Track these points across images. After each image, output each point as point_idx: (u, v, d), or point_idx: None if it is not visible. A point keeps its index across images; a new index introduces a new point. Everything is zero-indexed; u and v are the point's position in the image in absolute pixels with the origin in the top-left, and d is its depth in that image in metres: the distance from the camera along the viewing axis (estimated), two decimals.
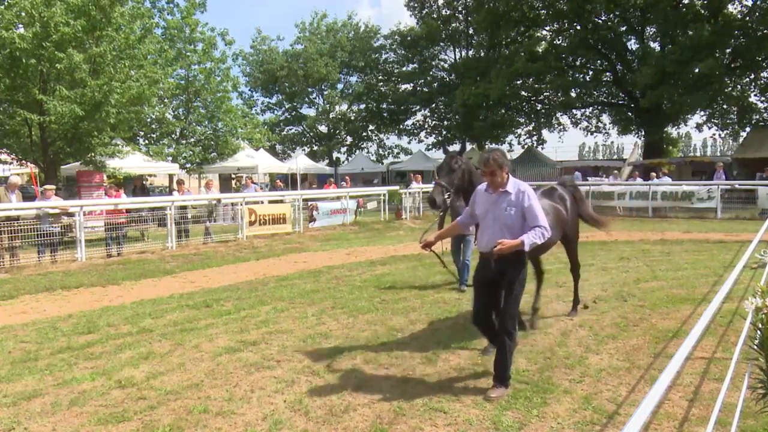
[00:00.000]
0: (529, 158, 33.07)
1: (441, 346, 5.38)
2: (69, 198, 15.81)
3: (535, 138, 35.81)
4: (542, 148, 36.13)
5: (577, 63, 32.45)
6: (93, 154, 17.60)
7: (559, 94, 32.35)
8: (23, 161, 18.42)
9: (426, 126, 40.91)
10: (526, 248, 4.02)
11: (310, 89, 40.94)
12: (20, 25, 15.54)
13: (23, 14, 15.26)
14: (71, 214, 11.91)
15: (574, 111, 34.27)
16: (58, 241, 11.68)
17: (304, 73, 38.54)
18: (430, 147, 39.59)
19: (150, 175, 27.33)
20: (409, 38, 37.78)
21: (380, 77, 41.57)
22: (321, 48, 38.94)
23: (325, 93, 40.45)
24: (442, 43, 38.02)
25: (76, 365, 5.08)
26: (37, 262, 10.96)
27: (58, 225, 11.66)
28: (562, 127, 35.65)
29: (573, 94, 32.09)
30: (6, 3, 15.83)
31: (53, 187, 12.75)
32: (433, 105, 39.35)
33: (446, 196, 4.95)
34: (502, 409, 3.94)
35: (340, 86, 41.32)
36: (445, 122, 39.32)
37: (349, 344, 5.54)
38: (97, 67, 16.14)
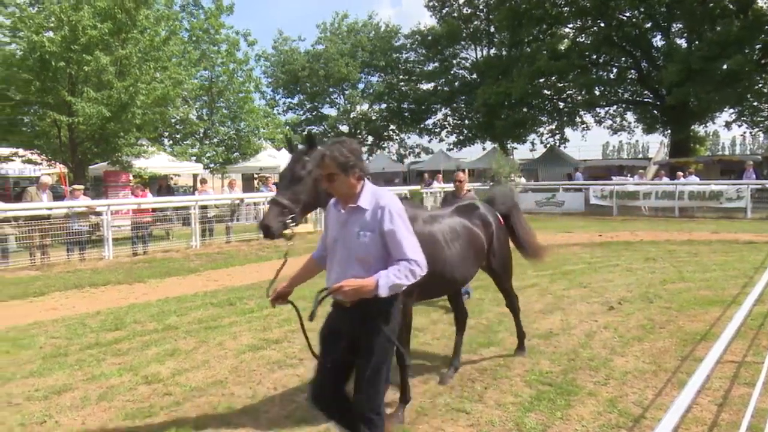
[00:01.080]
0: (552, 157, 32.70)
1: (463, 346, 5.36)
2: (96, 197, 16.14)
3: (557, 137, 35.37)
4: (565, 147, 35.68)
5: (601, 60, 31.93)
6: (119, 154, 17.94)
7: (583, 93, 31.87)
8: (53, 162, 18.85)
9: (447, 125, 40.75)
10: (381, 293, 2.62)
11: (331, 89, 41.11)
12: (49, 30, 15.93)
13: (52, 18, 15.65)
14: (99, 213, 12.14)
15: (597, 109, 33.73)
16: (86, 239, 11.94)
17: (325, 74, 38.71)
18: (452, 146, 39.45)
19: (175, 175, 27.77)
20: (429, 38, 37.65)
21: (401, 77, 41.51)
22: (342, 48, 39.07)
23: (346, 93, 40.58)
24: (463, 42, 37.78)
25: (104, 361, 5.19)
26: (66, 260, 11.22)
27: (86, 224, 11.91)
28: (585, 125, 35.08)
29: (596, 93, 31.57)
30: (36, 8, 16.25)
31: (82, 187, 13.02)
32: (454, 104, 39.14)
33: (288, 220, 3.31)
34: (525, 410, 3.91)
35: (361, 86, 41.41)
36: (467, 121, 39.09)
37: None
38: (123, 68, 16.46)
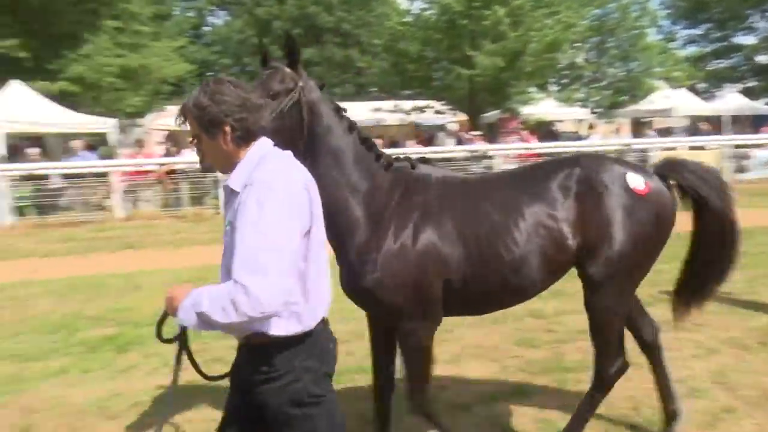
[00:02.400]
0: None
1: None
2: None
3: None
4: None
5: None
6: (510, 102, 19.14)
7: None
8: (455, 111, 21.51)
9: None
10: (181, 316, 1.59)
11: (747, 12, 33.67)
12: None
13: None
14: (490, 157, 13.38)
15: None
16: None
17: None
18: None
19: (557, 121, 28.03)
20: None
21: None
22: None
23: None
24: None
25: None
26: None
27: (479, 167, 13.32)
28: None
29: None
30: None
31: (478, 133, 14.52)
32: None
33: None
34: None
35: None
36: None
37: None
38: (516, 19, 17.22)
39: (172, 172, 12.79)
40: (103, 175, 12.22)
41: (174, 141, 15.09)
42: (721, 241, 2.77)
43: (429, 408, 2.66)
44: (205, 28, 38.76)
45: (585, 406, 2.81)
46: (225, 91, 1.70)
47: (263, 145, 1.79)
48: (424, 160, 2.81)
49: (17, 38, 15.70)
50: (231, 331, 1.74)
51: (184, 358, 1.84)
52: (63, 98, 15.83)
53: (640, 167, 2.87)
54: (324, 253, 1.81)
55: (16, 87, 14.19)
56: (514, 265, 2.53)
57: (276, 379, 1.67)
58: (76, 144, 13.01)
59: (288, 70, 2.40)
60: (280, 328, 1.66)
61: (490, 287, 2.58)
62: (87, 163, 12.21)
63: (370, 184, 2.52)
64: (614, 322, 2.72)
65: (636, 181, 2.62)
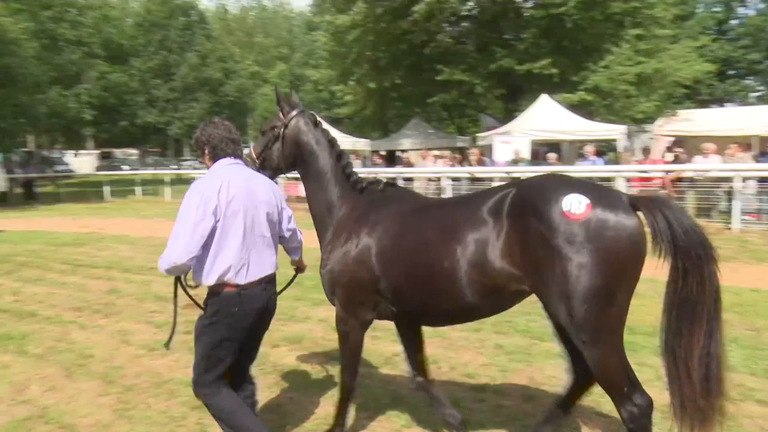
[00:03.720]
0: None
1: None
2: None
3: None
4: None
5: None
6: None
7: None
8: None
9: None
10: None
11: None
12: None
13: None
14: None
15: None
16: None
17: None
18: None
19: None
20: None
21: None
22: None
23: None
24: None
25: None
26: None
27: None
28: None
29: None
30: None
31: None
32: None
33: None
34: None
35: None
36: None
37: None
38: None
39: (678, 180, 12.12)
40: (609, 179, 12.71)
41: (683, 147, 14.25)
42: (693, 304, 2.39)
43: (351, 386, 3.20)
44: (732, 22, 34.74)
45: None
46: (210, 129, 2.96)
47: (219, 163, 2.94)
48: (392, 184, 3.37)
49: (549, 57, 18.05)
50: (174, 273, 2.81)
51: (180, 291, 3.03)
52: (580, 107, 17.31)
53: (606, 195, 2.49)
54: (238, 233, 2.79)
55: (544, 100, 16.55)
56: (442, 283, 2.70)
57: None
58: (588, 150, 13.97)
59: (280, 113, 3.38)
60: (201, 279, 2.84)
61: (425, 301, 2.83)
62: (594, 167, 12.94)
63: (341, 203, 3.22)
64: (594, 355, 2.48)
65: (572, 205, 2.40)
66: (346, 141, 23.35)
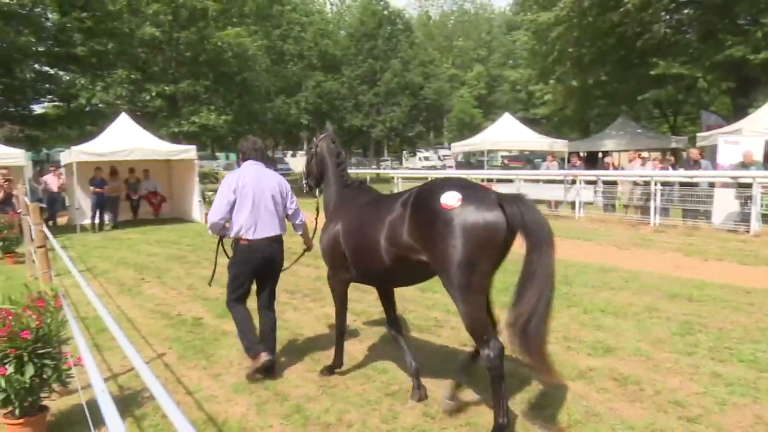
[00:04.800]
0: None
1: None
2: None
3: None
4: None
5: None
6: None
7: None
8: None
9: None
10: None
11: None
12: None
13: None
14: None
15: None
16: None
17: None
18: None
19: None
20: None
21: None
22: None
23: None
24: None
25: None
26: None
27: None
28: None
29: None
30: None
31: None
32: None
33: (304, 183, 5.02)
34: None
35: None
36: None
37: None
38: None
39: None
40: None
41: None
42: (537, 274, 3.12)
43: (341, 328, 4.46)
44: None
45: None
46: (242, 142, 4.76)
47: (245, 163, 4.60)
48: (362, 182, 4.72)
49: None
50: (213, 230, 4.54)
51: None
52: None
53: (476, 193, 3.33)
54: (248, 205, 4.38)
55: None
56: (372, 251, 3.77)
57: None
58: None
59: (315, 138, 4.87)
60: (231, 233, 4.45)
61: (365, 265, 3.95)
62: None
63: (336, 198, 4.49)
64: (463, 309, 3.29)
65: (448, 199, 3.27)
66: (542, 142, 22.58)
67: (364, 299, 6.71)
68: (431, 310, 6.27)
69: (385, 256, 3.69)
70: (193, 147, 16.50)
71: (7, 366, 3.34)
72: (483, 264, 3.20)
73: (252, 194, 4.38)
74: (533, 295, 3.07)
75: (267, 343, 4.48)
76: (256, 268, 4.47)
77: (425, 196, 3.47)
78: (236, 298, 4.48)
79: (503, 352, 3.27)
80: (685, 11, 19.51)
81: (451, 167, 23.58)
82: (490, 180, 18.98)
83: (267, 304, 4.65)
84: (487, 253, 3.20)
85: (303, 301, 6.92)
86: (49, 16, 22.54)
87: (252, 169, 4.54)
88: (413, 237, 3.47)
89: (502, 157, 41.16)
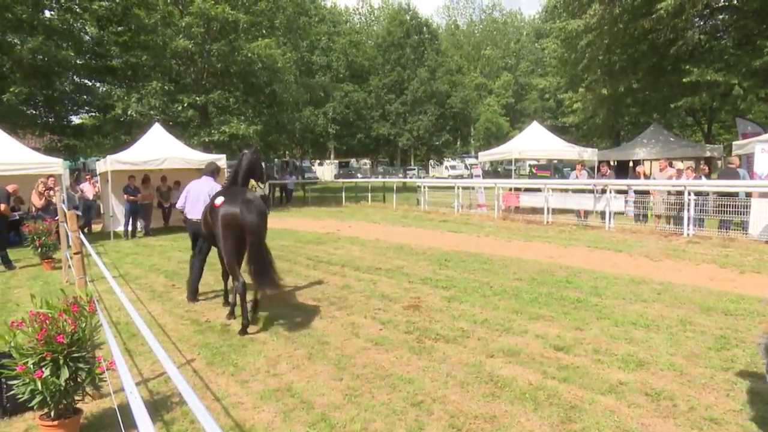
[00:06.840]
0: None
1: None
2: None
3: None
4: None
5: None
6: None
7: None
8: None
9: None
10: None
11: None
12: None
13: None
14: None
15: None
16: None
17: None
18: None
19: None
20: None
21: None
22: None
23: None
24: None
25: None
26: None
27: None
28: None
29: None
30: None
31: None
32: None
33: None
34: None
35: None
36: None
37: None
38: None
39: None
40: None
41: None
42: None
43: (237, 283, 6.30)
44: None
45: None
46: (207, 165, 8.04)
47: (204, 177, 7.73)
48: (234, 182, 6.97)
49: None
50: (184, 215, 7.87)
51: None
52: None
53: (230, 196, 6.29)
54: (191, 200, 7.59)
55: None
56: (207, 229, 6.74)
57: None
58: None
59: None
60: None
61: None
62: None
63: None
64: (226, 262, 6.49)
65: (218, 200, 6.25)
66: (572, 151, 22.25)
67: (390, 308, 6.70)
68: (457, 320, 6.21)
69: (206, 231, 6.85)
70: (223, 156, 16.81)
71: (43, 369, 3.43)
72: (228, 242, 6.14)
73: (194, 194, 7.51)
74: (251, 257, 5.99)
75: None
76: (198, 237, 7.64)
77: (214, 197, 6.57)
78: (197, 254, 7.76)
79: (245, 285, 6.11)
80: (720, 17, 19.07)
81: (478, 176, 23.36)
82: (518, 189, 18.79)
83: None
84: (228, 236, 6.08)
85: (329, 309, 6.96)
86: (88, 30, 23.30)
87: (201, 181, 7.59)
88: (215, 222, 6.24)
89: (530, 165, 40.80)
